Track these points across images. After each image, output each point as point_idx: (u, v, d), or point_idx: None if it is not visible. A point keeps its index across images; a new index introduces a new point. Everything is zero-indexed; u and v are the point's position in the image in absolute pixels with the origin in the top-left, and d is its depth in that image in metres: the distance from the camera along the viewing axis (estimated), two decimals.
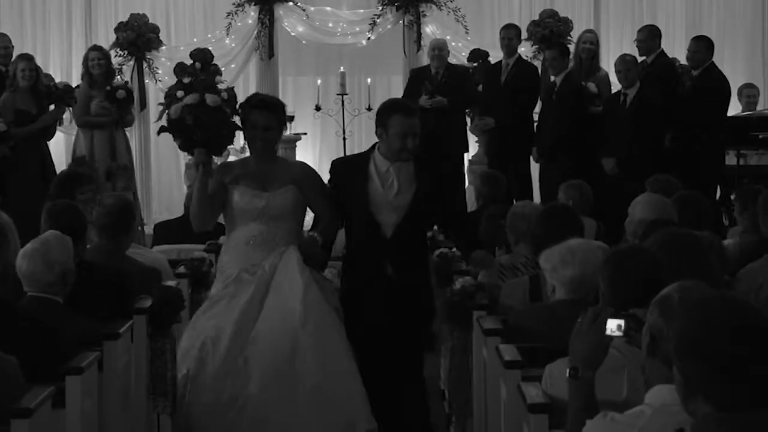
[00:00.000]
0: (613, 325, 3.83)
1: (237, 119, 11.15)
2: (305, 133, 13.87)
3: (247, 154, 6.88)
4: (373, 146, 6.42)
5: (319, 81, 14.07)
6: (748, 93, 13.11)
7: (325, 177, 6.61)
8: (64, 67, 14.26)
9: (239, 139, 11.66)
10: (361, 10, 14.55)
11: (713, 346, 2.79)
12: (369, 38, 14.44)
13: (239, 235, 6.38)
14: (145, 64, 13.68)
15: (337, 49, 14.77)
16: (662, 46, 11.65)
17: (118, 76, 12.44)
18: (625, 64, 10.97)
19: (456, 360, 6.76)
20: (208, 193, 6.38)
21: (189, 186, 10.09)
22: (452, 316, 6.33)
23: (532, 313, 5.42)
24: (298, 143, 13.61)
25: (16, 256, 5.44)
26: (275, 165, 6.48)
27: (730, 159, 11.59)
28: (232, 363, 6.01)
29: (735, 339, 2.78)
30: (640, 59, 11.39)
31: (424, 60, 13.68)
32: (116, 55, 13.21)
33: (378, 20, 14.31)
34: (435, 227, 7.81)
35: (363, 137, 14.30)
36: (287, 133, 13.13)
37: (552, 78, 11.77)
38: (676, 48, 12.75)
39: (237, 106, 7.72)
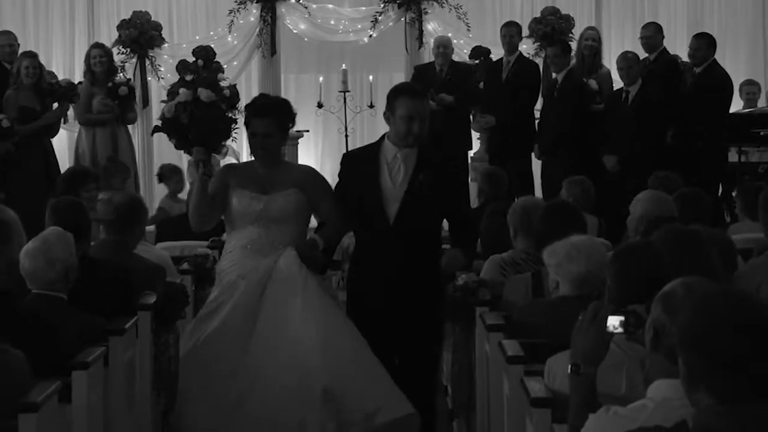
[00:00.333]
0: (614, 322, 3.86)
1: (235, 115, 11.24)
2: (307, 131, 13.87)
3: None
4: (383, 136, 6.28)
5: (321, 78, 14.09)
6: (749, 90, 13.14)
7: (329, 174, 6.55)
8: (66, 64, 14.27)
9: (241, 138, 11.75)
10: (363, 8, 14.58)
11: (715, 343, 2.81)
12: (371, 36, 14.47)
13: (238, 239, 6.22)
14: (147, 62, 13.71)
15: (339, 47, 14.79)
16: (664, 43, 11.67)
17: (121, 74, 12.44)
18: (626, 61, 10.98)
19: (458, 355, 6.80)
20: (208, 193, 6.24)
21: (191, 183, 10.10)
22: (455, 312, 6.36)
23: (535, 308, 5.44)
24: (300, 141, 13.61)
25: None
26: (279, 168, 6.32)
27: (732, 156, 11.61)
28: (233, 365, 5.83)
29: (737, 336, 2.80)
30: (642, 56, 11.40)
31: (426, 57, 13.74)
32: (119, 53, 13.24)
33: (380, 18, 14.34)
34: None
35: (365, 134, 14.31)
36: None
37: (554, 75, 11.80)
38: (678, 45, 12.77)
39: (244, 107, 7.54)
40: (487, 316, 5.75)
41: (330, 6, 14.64)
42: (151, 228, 9.16)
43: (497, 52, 12.83)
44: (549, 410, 4.22)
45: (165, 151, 13.90)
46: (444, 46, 12.46)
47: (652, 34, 11.59)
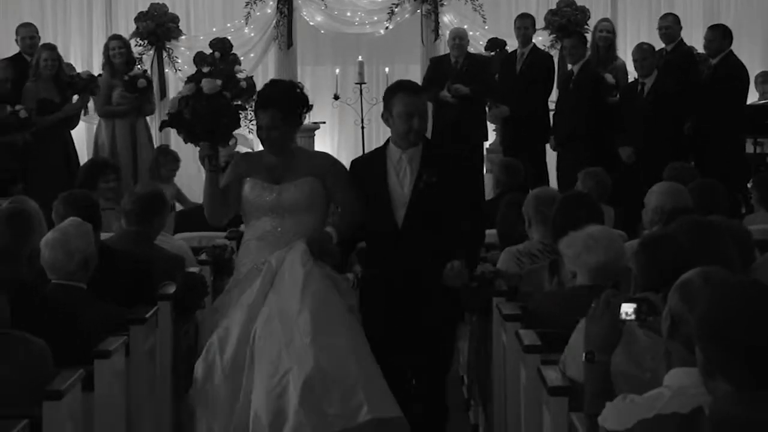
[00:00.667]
0: (627, 309, 3.89)
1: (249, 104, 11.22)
2: (324, 122, 13.91)
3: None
4: (388, 140, 6.05)
5: (337, 70, 14.12)
6: (764, 79, 13.13)
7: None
8: (84, 57, 14.30)
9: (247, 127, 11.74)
10: (379, 0, 14.59)
11: (733, 333, 2.84)
12: (387, 27, 14.48)
13: (253, 230, 5.96)
14: (165, 54, 13.74)
15: (356, 39, 14.79)
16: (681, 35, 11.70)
17: (138, 66, 12.49)
18: (641, 52, 10.98)
19: (475, 345, 6.84)
20: (218, 188, 5.99)
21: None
22: (471, 303, 6.39)
23: (551, 299, 5.48)
24: (316, 132, 13.65)
25: None
26: (294, 157, 5.98)
27: (747, 147, 11.61)
28: (240, 363, 5.56)
29: (754, 326, 2.82)
30: (658, 47, 11.41)
31: (442, 49, 13.74)
32: (136, 45, 13.26)
33: (396, 9, 14.35)
34: None
35: (381, 126, 14.21)
36: (305, 122, 13.18)
37: (569, 67, 11.80)
38: (693, 37, 12.75)
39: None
40: (504, 306, 5.79)
41: None
42: None
43: (513, 44, 12.82)
44: (566, 398, 4.25)
45: (182, 142, 13.94)
46: (460, 38, 12.47)
47: (671, 24, 11.60)
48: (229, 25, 14.42)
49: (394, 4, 14.33)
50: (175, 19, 13.69)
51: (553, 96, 12.31)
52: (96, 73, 12.15)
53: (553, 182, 11.47)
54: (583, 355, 3.93)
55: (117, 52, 11.84)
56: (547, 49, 13.31)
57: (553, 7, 13.78)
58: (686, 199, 6.63)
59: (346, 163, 6.32)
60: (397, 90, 5.95)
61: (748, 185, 10.10)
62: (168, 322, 6.29)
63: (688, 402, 3.04)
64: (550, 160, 12.06)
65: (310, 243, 5.75)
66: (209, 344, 5.64)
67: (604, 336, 3.90)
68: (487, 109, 12.35)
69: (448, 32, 13.45)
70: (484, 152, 12.89)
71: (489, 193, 10.42)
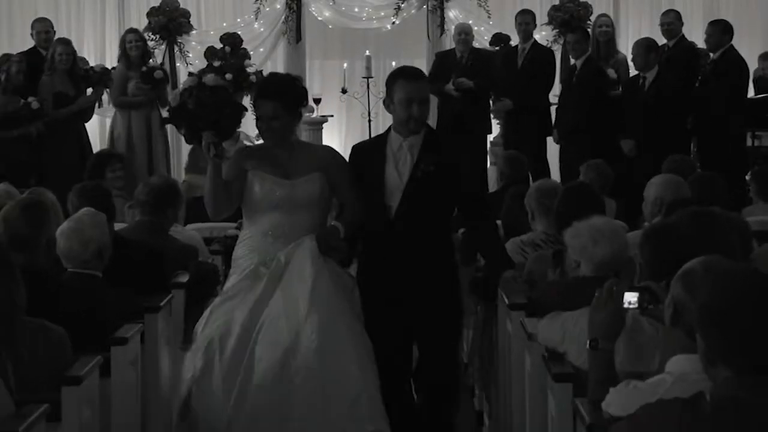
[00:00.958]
0: (630, 298, 3.92)
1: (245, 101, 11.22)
2: (332, 115, 13.94)
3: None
4: (390, 127, 5.86)
5: (345, 64, 14.12)
6: (764, 65, 13.14)
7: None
8: (98, 51, 14.33)
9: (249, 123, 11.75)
10: None
11: (733, 320, 2.86)
12: (393, 23, 14.51)
13: (258, 225, 5.69)
14: (176, 48, 13.76)
15: (363, 34, 14.82)
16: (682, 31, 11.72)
17: (152, 60, 12.52)
18: (637, 47, 11.05)
19: (480, 333, 6.86)
20: (221, 178, 5.67)
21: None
22: (477, 292, 6.41)
23: (554, 289, 5.49)
24: (324, 125, 13.68)
25: None
26: (298, 150, 5.78)
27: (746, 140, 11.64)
28: (238, 363, 5.36)
29: (754, 313, 2.85)
30: (660, 43, 11.42)
31: (447, 44, 13.77)
32: (148, 39, 13.26)
33: (402, 5, 14.37)
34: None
35: (388, 119, 14.24)
36: (314, 115, 13.22)
37: (572, 61, 11.84)
38: (693, 33, 12.77)
39: None
40: (509, 295, 5.79)
41: None
42: None
43: (517, 39, 12.86)
44: (570, 385, 4.28)
45: None
46: (465, 33, 12.52)
47: (672, 20, 11.62)
48: (239, 20, 14.44)
49: (400, 0, 14.35)
50: (186, 14, 13.70)
51: (556, 90, 12.35)
52: (109, 67, 12.20)
53: (554, 174, 11.48)
54: (587, 342, 3.96)
55: (134, 45, 11.89)
56: (550, 44, 13.36)
57: (556, 2, 13.79)
58: (685, 191, 6.65)
59: None
60: (398, 76, 5.76)
61: (746, 178, 10.12)
62: (181, 310, 6.33)
63: (690, 388, 3.06)
64: (550, 153, 12.09)
65: (318, 239, 5.57)
66: (210, 340, 5.42)
67: (607, 324, 3.92)
68: (491, 102, 12.38)
69: (453, 27, 13.46)
70: (488, 145, 12.93)
71: (493, 185, 10.45)
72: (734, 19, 12.36)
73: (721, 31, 11.17)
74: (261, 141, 6.02)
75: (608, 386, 3.65)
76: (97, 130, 13.36)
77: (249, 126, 11.73)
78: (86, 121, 11.80)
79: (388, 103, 5.76)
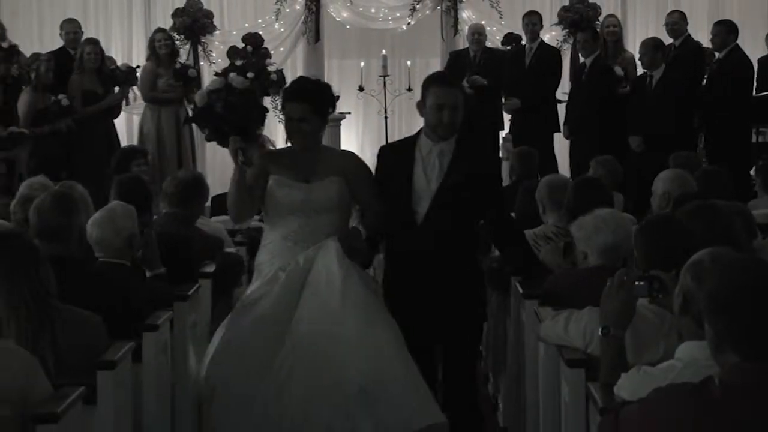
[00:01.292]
0: (640, 287, 3.96)
1: (267, 101, 11.25)
2: (349, 113, 13.96)
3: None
4: (420, 130, 5.66)
5: (362, 63, 14.12)
6: None
7: (369, 154, 6.10)
8: (125, 51, 14.37)
9: (274, 125, 11.77)
10: None
11: (739, 308, 2.88)
12: (409, 23, 14.51)
13: (277, 230, 5.53)
14: (200, 48, 13.80)
15: (379, 34, 14.81)
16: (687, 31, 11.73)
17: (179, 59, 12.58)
18: (643, 47, 11.06)
19: (494, 322, 6.89)
20: (245, 185, 5.51)
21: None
22: (492, 282, 6.44)
23: (564, 279, 5.51)
24: (342, 122, 13.70)
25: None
26: (319, 154, 5.60)
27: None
28: (264, 367, 5.17)
29: (758, 300, 2.88)
30: (667, 42, 11.44)
31: (461, 44, 13.80)
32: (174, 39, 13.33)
33: (417, 6, 14.37)
34: None
35: (403, 116, 14.43)
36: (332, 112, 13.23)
37: (582, 60, 11.88)
38: (698, 33, 12.77)
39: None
40: (522, 285, 5.81)
41: None
42: None
43: None
44: (583, 370, 4.28)
45: None
46: (478, 33, 12.61)
47: (677, 20, 11.65)
48: (260, 20, 14.45)
49: (415, 1, 14.35)
50: (209, 14, 13.74)
51: (566, 87, 12.39)
52: (135, 65, 12.25)
53: (562, 169, 11.49)
54: (600, 330, 3.99)
55: (163, 43, 11.95)
56: (560, 44, 13.40)
57: (566, 3, 13.80)
58: (692, 185, 6.67)
59: (370, 153, 6.03)
60: (432, 82, 5.58)
61: (751, 173, 10.12)
62: (208, 299, 6.37)
63: (699, 373, 3.09)
64: (559, 149, 12.11)
65: (340, 241, 5.40)
66: (231, 343, 5.28)
67: (618, 312, 3.95)
68: (503, 100, 12.41)
69: (466, 28, 13.53)
70: (500, 141, 12.95)
71: (505, 179, 10.45)
72: (738, 19, 12.34)
73: (726, 30, 11.15)
74: (286, 144, 5.81)
75: (620, 371, 3.68)
76: (125, 126, 13.40)
77: (271, 129, 11.85)
78: (114, 118, 11.86)
79: (421, 106, 5.58)
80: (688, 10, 12.77)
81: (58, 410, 3.71)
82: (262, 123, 6.25)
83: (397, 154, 5.69)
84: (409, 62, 13.98)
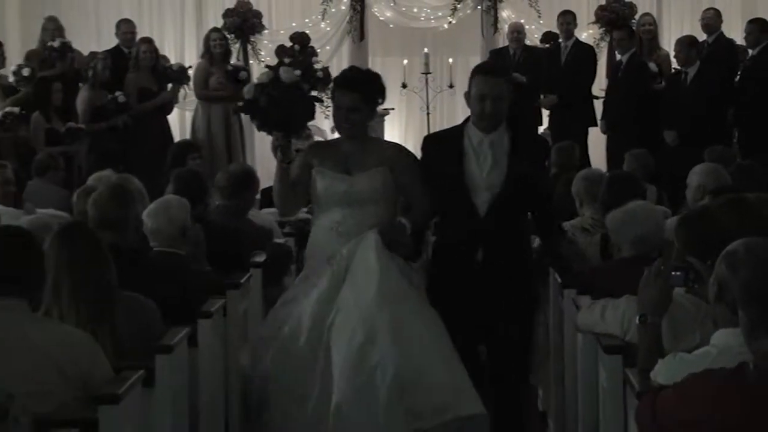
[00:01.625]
0: (676, 277, 3.96)
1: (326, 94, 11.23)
2: (393, 109, 13.96)
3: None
4: (467, 119, 5.43)
5: (405, 61, 14.13)
6: None
7: (411, 149, 5.75)
8: (178, 50, 14.46)
9: (322, 118, 11.77)
10: None
11: None
12: (450, 22, 14.52)
13: (323, 221, 5.40)
14: (249, 47, 13.86)
15: (422, 32, 14.82)
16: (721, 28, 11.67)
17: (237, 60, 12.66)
18: (678, 45, 11.07)
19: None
20: (288, 180, 5.41)
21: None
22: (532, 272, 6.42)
23: (601, 269, 5.52)
24: (386, 118, 13.73)
25: None
26: (365, 146, 5.40)
27: None
28: (311, 358, 5.07)
29: None
30: (701, 39, 11.39)
31: (500, 42, 13.78)
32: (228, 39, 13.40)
33: (458, 5, 14.36)
34: None
35: (445, 113, 14.44)
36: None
37: (618, 57, 11.86)
38: (732, 30, 12.69)
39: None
40: (561, 275, 5.80)
41: None
42: None
43: None
44: (620, 356, 4.30)
45: None
46: (518, 32, 12.62)
47: (712, 17, 11.63)
48: (307, 20, 14.49)
49: (456, 0, 14.36)
50: (258, 15, 13.78)
51: (603, 84, 12.36)
52: (188, 64, 12.33)
53: (594, 163, 11.45)
54: (637, 318, 4.00)
55: (217, 43, 12.00)
56: (597, 42, 13.38)
57: (603, 3, 13.76)
58: (726, 179, 6.65)
59: (413, 148, 5.86)
60: (476, 71, 5.39)
61: None
62: (258, 287, 6.41)
63: (734, 359, 3.08)
64: (596, 143, 12.08)
65: (381, 233, 5.20)
66: (282, 337, 5.17)
67: (656, 300, 3.95)
68: (541, 96, 12.41)
69: (506, 26, 13.52)
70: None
71: None
72: None
73: (759, 29, 11.09)
74: (335, 135, 5.64)
75: (656, 358, 3.69)
76: (178, 122, 13.50)
77: (319, 119, 11.82)
78: (167, 114, 11.95)
79: (467, 97, 5.38)
80: (722, 8, 12.69)
81: (119, 392, 3.76)
82: (311, 116, 6.08)
83: (443, 144, 5.46)
84: (450, 60, 13.97)
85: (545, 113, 12.88)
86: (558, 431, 6.05)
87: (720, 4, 13.46)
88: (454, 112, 13.83)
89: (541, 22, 14.12)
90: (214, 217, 6.57)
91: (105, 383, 3.82)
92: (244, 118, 10.44)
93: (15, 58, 12.21)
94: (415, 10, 14.68)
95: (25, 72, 10.98)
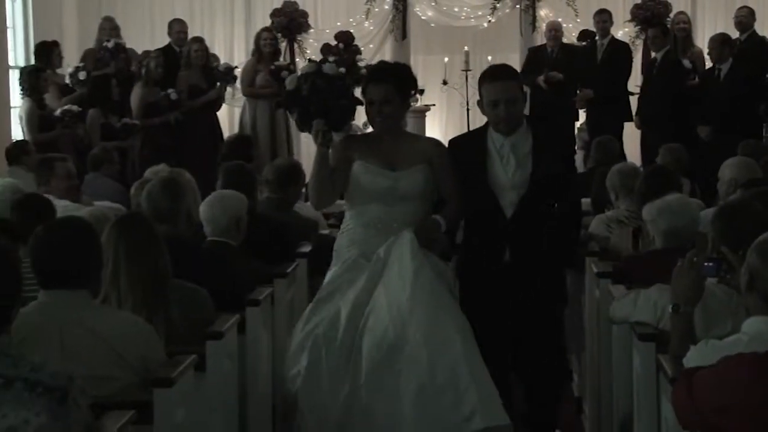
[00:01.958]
0: (709, 267, 3.95)
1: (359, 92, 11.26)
2: (434, 105, 14.01)
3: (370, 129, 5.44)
4: (487, 122, 5.23)
5: (446, 59, 14.19)
6: None
7: None
8: (227, 49, 14.56)
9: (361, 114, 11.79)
10: None
11: None
12: (490, 21, 14.53)
13: (360, 217, 5.12)
14: (295, 45, 13.92)
15: (462, 31, 14.83)
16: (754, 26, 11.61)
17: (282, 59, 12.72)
18: (711, 42, 11.06)
19: (570, 300, 6.88)
20: (328, 167, 5.12)
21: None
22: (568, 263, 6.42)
23: (636, 260, 5.51)
24: (427, 114, 13.75)
25: (196, 207, 5.65)
26: (404, 141, 5.18)
27: None
28: (345, 359, 4.84)
29: None
30: (734, 37, 11.33)
31: (538, 40, 13.75)
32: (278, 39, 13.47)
33: (498, 5, 14.36)
34: None
35: None
36: (418, 104, 13.28)
37: (653, 55, 11.81)
38: (766, 28, 12.61)
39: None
40: (596, 265, 5.80)
41: None
42: None
43: None
44: (653, 343, 4.29)
45: None
46: (555, 30, 12.59)
47: (746, 15, 11.57)
48: (351, 19, 14.54)
49: (496, 0, 14.36)
50: (304, 14, 13.83)
51: (638, 80, 12.31)
52: (236, 63, 12.40)
53: (632, 157, 11.40)
54: (670, 307, 3.99)
55: (267, 42, 12.07)
56: (632, 40, 13.34)
57: (639, 1, 13.70)
58: (757, 172, 6.62)
59: None
60: (483, 79, 5.17)
61: None
62: (304, 276, 6.45)
63: (764, 346, 3.09)
64: (631, 138, 12.04)
65: (417, 231, 4.98)
66: (315, 336, 4.91)
67: (689, 289, 3.95)
68: (577, 92, 12.38)
69: (544, 25, 13.48)
70: (575, 132, 12.90)
71: (579, 167, 10.41)
72: None
73: None
74: (369, 130, 5.49)
75: (688, 345, 3.69)
76: (227, 118, 13.59)
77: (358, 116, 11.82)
78: (216, 111, 12.02)
79: (481, 105, 5.20)
80: (756, 7, 12.60)
81: (173, 375, 3.81)
82: (352, 113, 5.92)
83: (469, 147, 5.27)
84: (490, 57, 13.95)
85: (581, 109, 12.86)
86: (593, 416, 6.05)
87: (753, 3, 13.36)
88: None
89: (578, 20, 14.08)
90: (261, 209, 6.60)
91: (159, 367, 3.86)
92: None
93: (72, 56, 12.33)
94: (456, 9, 14.69)
95: (81, 75, 11.09)
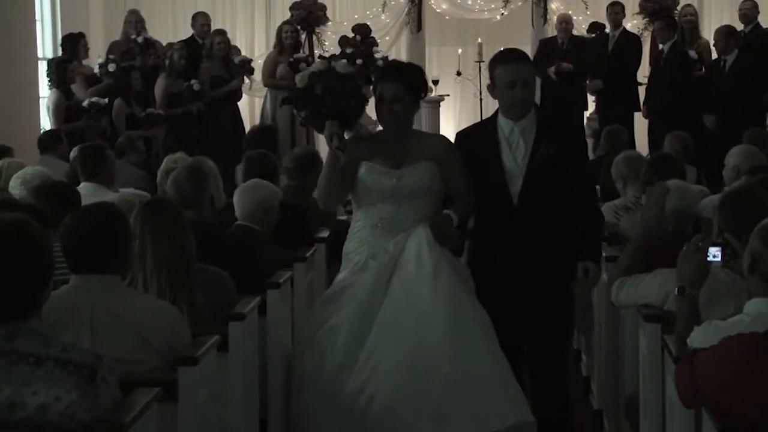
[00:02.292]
0: (714, 252, 3.96)
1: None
2: (447, 95, 14.02)
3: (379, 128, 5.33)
4: (497, 111, 5.00)
5: (459, 50, 14.19)
6: None
7: None
8: (248, 42, 14.59)
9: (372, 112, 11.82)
10: None
11: None
12: (502, 14, 14.55)
13: (368, 217, 4.97)
14: (314, 38, 13.94)
15: (475, 23, 14.84)
16: (758, 19, 11.57)
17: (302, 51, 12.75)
18: (717, 34, 11.06)
19: (578, 285, 6.89)
20: (339, 169, 4.95)
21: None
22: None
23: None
24: (441, 104, 13.76)
25: (218, 193, 5.69)
26: (412, 139, 5.02)
27: None
28: (351, 357, 4.71)
29: None
30: (739, 28, 11.31)
31: (549, 32, 13.75)
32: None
33: None
34: None
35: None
36: (432, 94, 13.29)
37: (660, 46, 11.80)
38: None
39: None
40: (605, 250, 5.74)
41: None
42: None
43: None
44: (659, 324, 4.30)
45: None
46: (566, 22, 12.59)
47: (750, 7, 11.53)
48: (368, 12, 14.57)
49: None
50: (323, 8, 13.82)
51: (646, 71, 12.30)
52: (257, 55, 12.42)
53: (640, 146, 11.39)
54: (676, 289, 4.01)
55: (289, 35, 12.13)
56: (640, 32, 13.30)
57: None
58: (761, 159, 6.61)
59: None
60: (498, 61, 4.93)
61: None
62: (323, 260, 6.47)
63: (765, 325, 3.11)
64: (635, 128, 12.03)
65: (431, 227, 4.83)
66: (320, 336, 4.82)
67: (694, 273, 3.96)
68: (587, 83, 12.37)
69: (555, 17, 13.46)
70: (585, 120, 12.90)
71: (590, 155, 10.40)
72: None
73: None
74: (379, 128, 5.32)
75: (693, 326, 3.70)
76: (248, 108, 13.62)
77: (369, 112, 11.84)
78: (237, 101, 12.05)
79: (491, 89, 4.98)
80: (760, 0, 12.56)
81: (197, 354, 3.83)
82: (362, 111, 5.86)
83: (477, 138, 5.06)
84: (502, 49, 13.91)
85: (590, 98, 12.86)
86: (600, 395, 6.07)
87: None
88: None
89: (588, 13, 14.08)
90: (282, 196, 6.62)
91: (184, 347, 3.88)
92: None
93: (98, 48, 12.38)
94: (470, 2, 14.72)
95: (111, 67, 11.12)
